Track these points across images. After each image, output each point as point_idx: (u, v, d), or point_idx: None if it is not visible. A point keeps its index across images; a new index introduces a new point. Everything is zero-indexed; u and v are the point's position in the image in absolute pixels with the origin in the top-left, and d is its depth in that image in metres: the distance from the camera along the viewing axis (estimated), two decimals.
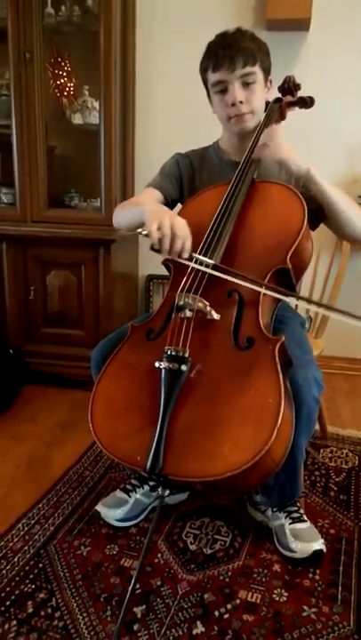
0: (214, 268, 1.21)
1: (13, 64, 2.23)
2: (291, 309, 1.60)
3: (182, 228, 1.17)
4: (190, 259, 1.21)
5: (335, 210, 1.35)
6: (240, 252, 1.28)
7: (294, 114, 1.51)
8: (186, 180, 1.56)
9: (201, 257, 1.21)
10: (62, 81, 2.49)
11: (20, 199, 2.38)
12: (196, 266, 1.22)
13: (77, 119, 2.42)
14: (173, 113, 2.61)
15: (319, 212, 1.40)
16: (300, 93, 1.51)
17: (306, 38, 2.44)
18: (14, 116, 2.29)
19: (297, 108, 1.50)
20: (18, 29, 2.20)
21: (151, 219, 1.17)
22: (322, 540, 1.38)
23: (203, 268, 1.21)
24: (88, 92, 2.40)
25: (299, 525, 1.40)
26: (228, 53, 1.35)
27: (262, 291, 1.19)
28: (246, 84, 1.38)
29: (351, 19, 2.39)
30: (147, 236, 1.16)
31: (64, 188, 2.55)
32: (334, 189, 1.34)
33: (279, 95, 1.52)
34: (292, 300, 1.25)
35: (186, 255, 1.18)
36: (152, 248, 1.18)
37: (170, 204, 1.55)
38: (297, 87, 1.50)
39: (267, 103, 1.47)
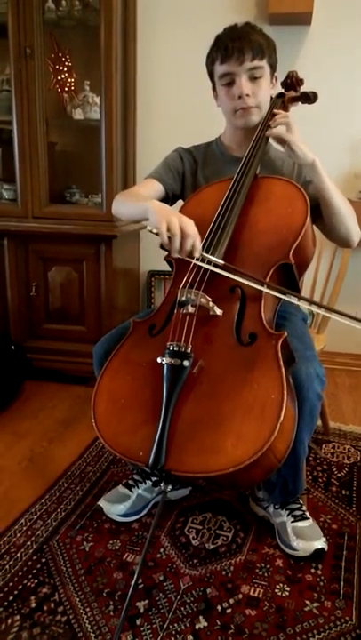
0: (217, 264, 1.21)
1: (14, 59, 2.22)
2: (293, 305, 1.59)
3: (191, 227, 1.16)
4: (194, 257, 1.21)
5: (331, 206, 1.34)
6: (243, 248, 1.27)
7: (297, 109, 1.51)
8: (188, 175, 1.54)
9: (207, 255, 1.21)
10: (63, 76, 2.48)
11: (21, 195, 2.37)
12: (200, 263, 1.21)
13: (78, 115, 2.41)
14: (175, 108, 2.61)
15: (316, 210, 1.40)
16: (303, 88, 1.50)
17: (308, 32, 2.43)
18: (15, 112, 2.28)
19: (300, 104, 1.50)
20: (18, 24, 2.19)
21: (160, 218, 1.16)
22: (324, 539, 1.39)
23: (207, 266, 1.21)
24: (89, 88, 2.40)
25: (301, 523, 1.40)
26: (237, 45, 1.34)
27: (265, 290, 1.18)
28: (254, 78, 1.37)
29: (353, 13, 2.38)
30: (157, 234, 1.16)
31: (65, 184, 2.55)
32: (333, 186, 1.34)
33: (282, 90, 1.51)
34: (294, 300, 1.25)
35: (197, 254, 1.18)
36: (162, 247, 1.18)
37: (170, 198, 1.54)
38: (300, 82, 1.50)
39: (270, 98, 1.47)
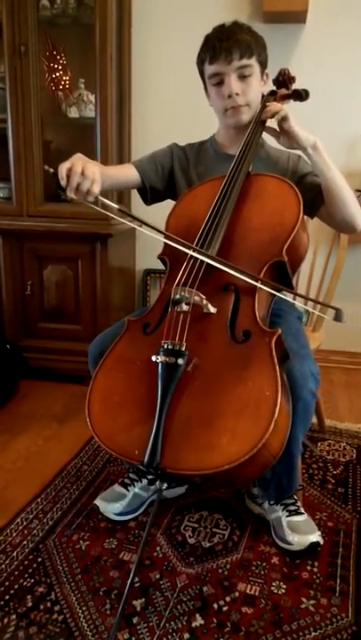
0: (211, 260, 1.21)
1: (8, 57, 2.22)
2: (288, 303, 1.60)
3: (93, 171, 1.18)
4: (188, 248, 1.22)
5: (334, 188, 1.35)
6: (236, 245, 1.27)
7: (289, 107, 1.50)
8: (178, 172, 1.54)
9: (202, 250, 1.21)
10: (58, 74, 2.48)
11: (16, 193, 2.36)
12: (195, 254, 1.22)
13: (73, 113, 2.41)
14: (170, 106, 2.60)
15: (317, 199, 1.40)
16: (296, 86, 1.50)
17: (302, 31, 2.43)
18: (9, 110, 2.27)
19: (292, 101, 1.50)
20: (13, 22, 2.18)
21: (68, 160, 1.19)
22: (319, 533, 1.39)
23: (201, 257, 1.21)
24: (84, 86, 2.39)
25: (296, 518, 1.41)
26: (225, 45, 1.34)
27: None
28: (243, 77, 1.38)
29: (347, 11, 2.38)
30: (54, 173, 1.18)
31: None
32: (335, 168, 1.35)
33: (274, 88, 1.51)
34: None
35: (91, 199, 1.19)
36: (58, 186, 1.19)
37: (148, 190, 1.53)
38: (292, 80, 1.49)
39: (262, 96, 1.47)
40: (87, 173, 1.16)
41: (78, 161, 1.18)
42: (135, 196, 2.31)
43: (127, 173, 1.50)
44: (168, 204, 1.49)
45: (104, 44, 2.17)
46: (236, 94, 1.38)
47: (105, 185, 1.42)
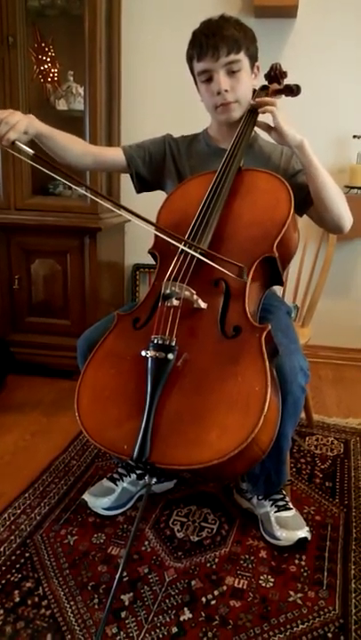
0: (201, 255, 1.21)
1: None
2: (277, 298, 1.60)
3: (18, 120, 1.22)
4: (179, 240, 1.21)
5: (321, 188, 1.34)
6: (227, 240, 1.27)
7: (280, 102, 1.50)
8: (170, 163, 1.53)
9: (191, 243, 1.21)
10: (46, 66, 2.45)
11: (3, 187, 2.34)
12: (185, 248, 1.21)
13: (62, 105, 2.39)
14: (160, 99, 2.59)
15: (307, 198, 1.40)
16: (287, 81, 1.50)
17: (293, 25, 2.43)
18: None
19: (283, 96, 1.50)
20: (0, 12, 2.15)
21: None
22: (307, 528, 1.40)
23: (190, 251, 1.21)
24: (73, 78, 2.37)
25: (284, 513, 1.42)
26: (211, 42, 1.33)
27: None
28: (232, 72, 1.37)
29: (338, 6, 2.38)
30: None
31: (48, 176, 2.50)
32: (323, 169, 1.35)
33: (265, 82, 1.51)
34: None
35: (5, 143, 1.22)
36: None
37: (135, 176, 1.54)
38: (283, 75, 1.49)
39: (253, 90, 1.46)
40: (8, 120, 1.20)
41: (8, 110, 1.22)
42: (125, 187, 2.30)
43: (114, 154, 1.51)
44: (159, 199, 1.48)
45: (93, 36, 2.15)
46: (225, 91, 1.37)
47: (87, 161, 1.48)
